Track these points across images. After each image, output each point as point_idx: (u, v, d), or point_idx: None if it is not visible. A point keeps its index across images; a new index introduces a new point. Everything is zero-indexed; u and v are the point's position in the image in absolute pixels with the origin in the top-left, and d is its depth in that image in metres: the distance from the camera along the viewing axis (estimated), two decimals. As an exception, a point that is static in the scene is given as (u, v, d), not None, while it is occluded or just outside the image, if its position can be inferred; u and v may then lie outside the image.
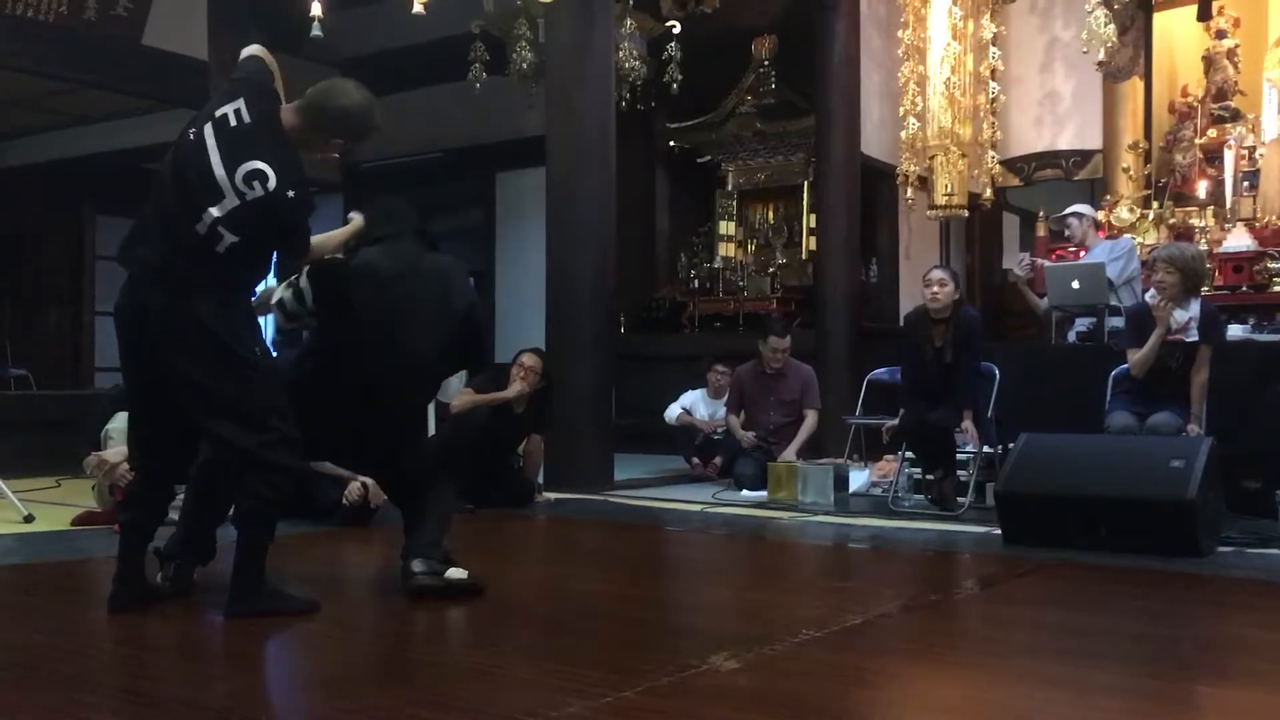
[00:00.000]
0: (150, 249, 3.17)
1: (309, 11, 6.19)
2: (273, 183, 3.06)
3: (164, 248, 3.14)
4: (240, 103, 3.16)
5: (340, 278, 3.50)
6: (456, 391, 6.18)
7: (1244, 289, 7.13)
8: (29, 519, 5.05)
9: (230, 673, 2.87)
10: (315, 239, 3.39)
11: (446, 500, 3.57)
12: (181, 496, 3.57)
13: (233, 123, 3.13)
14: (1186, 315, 5.12)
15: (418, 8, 6.21)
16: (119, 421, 4.91)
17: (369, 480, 5.09)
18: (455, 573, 3.40)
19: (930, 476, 5.85)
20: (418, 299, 3.52)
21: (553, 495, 6.19)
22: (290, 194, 3.10)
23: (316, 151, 3.36)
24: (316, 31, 6.26)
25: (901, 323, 6.05)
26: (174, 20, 8.53)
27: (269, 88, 3.26)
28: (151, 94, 9.01)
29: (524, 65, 8.37)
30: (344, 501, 5.05)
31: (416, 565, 3.38)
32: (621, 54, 7.94)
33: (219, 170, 3.08)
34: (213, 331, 3.11)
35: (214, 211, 3.07)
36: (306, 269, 3.51)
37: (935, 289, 5.52)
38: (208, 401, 3.14)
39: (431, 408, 6.62)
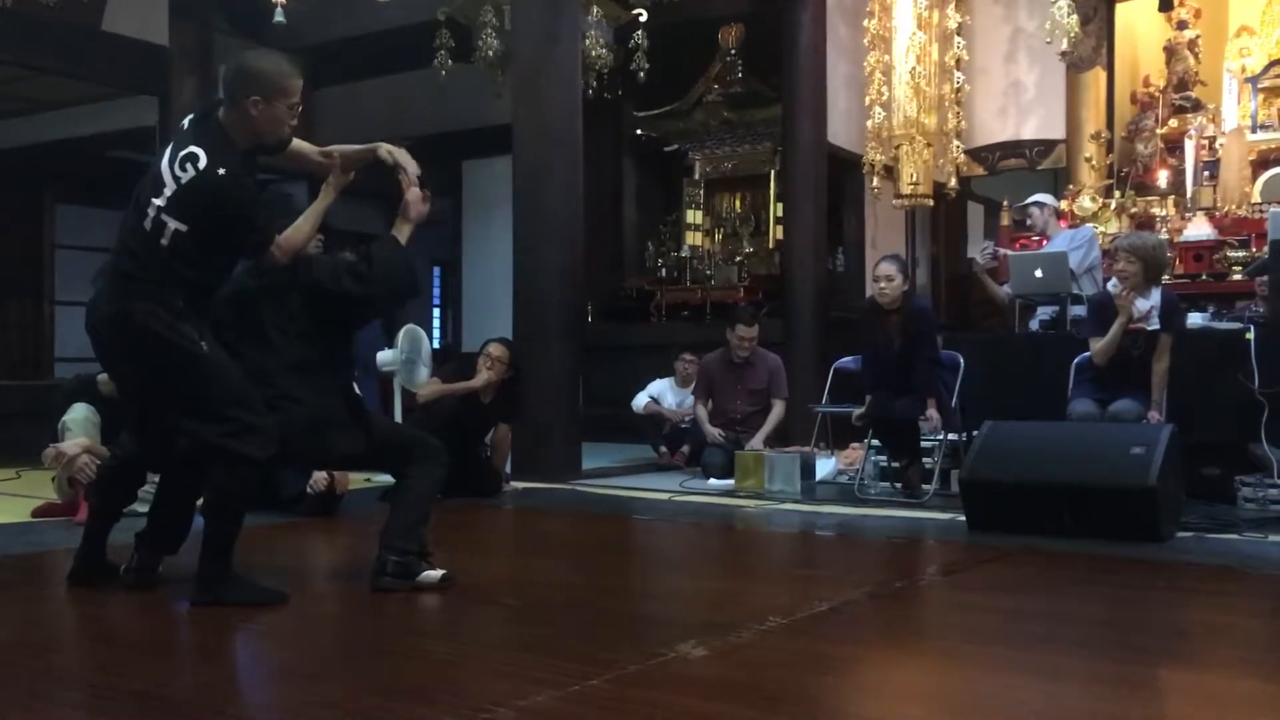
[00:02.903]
0: (110, 258, 3.27)
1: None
2: (203, 162, 3.11)
3: (116, 253, 3.23)
4: (193, 116, 3.31)
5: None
6: (424, 382, 6.16)
7: (1204, 278, 7.23)
8: (-12, 511, 4.98)
9: (196, 665, 2.84)
10: (289, 231, 3.33)
11: (423, 485, 3.47)
12: (154, 485, 3.56)
13: (184, 128, 3.27)
14: (1148, 304, 5.18)
15: (383, -6, 6.16)
16: (77, 412, 4.87)
17: (335, 470, 5.07)
18: (427, 575, 3.35)
19: (896, 464, 5.90)
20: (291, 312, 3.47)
21: (520, 485, 6.18)
22: (221, 171, 3.10)
23: (264, 128, 3.25)
24: (279, 17, 6.21)
25: (869, 311, 6.07)
26: (134, 5, 8.42)
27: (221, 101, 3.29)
28: (111, 81, 8.90)
29: (490, 53, 8.33)
30: (309, 491, 5.02)
31: (387, 565, 3.33)
32: (588, 42, 7.92)
33: (164, 165, 3.16)
34: (155, 332, 3.11)
35: (157, 202, 3.13)
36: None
37: (883, 283, 5.57)
38: (165, 400, 3.19)
39: (399, 397, 6.62)
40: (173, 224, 3.12)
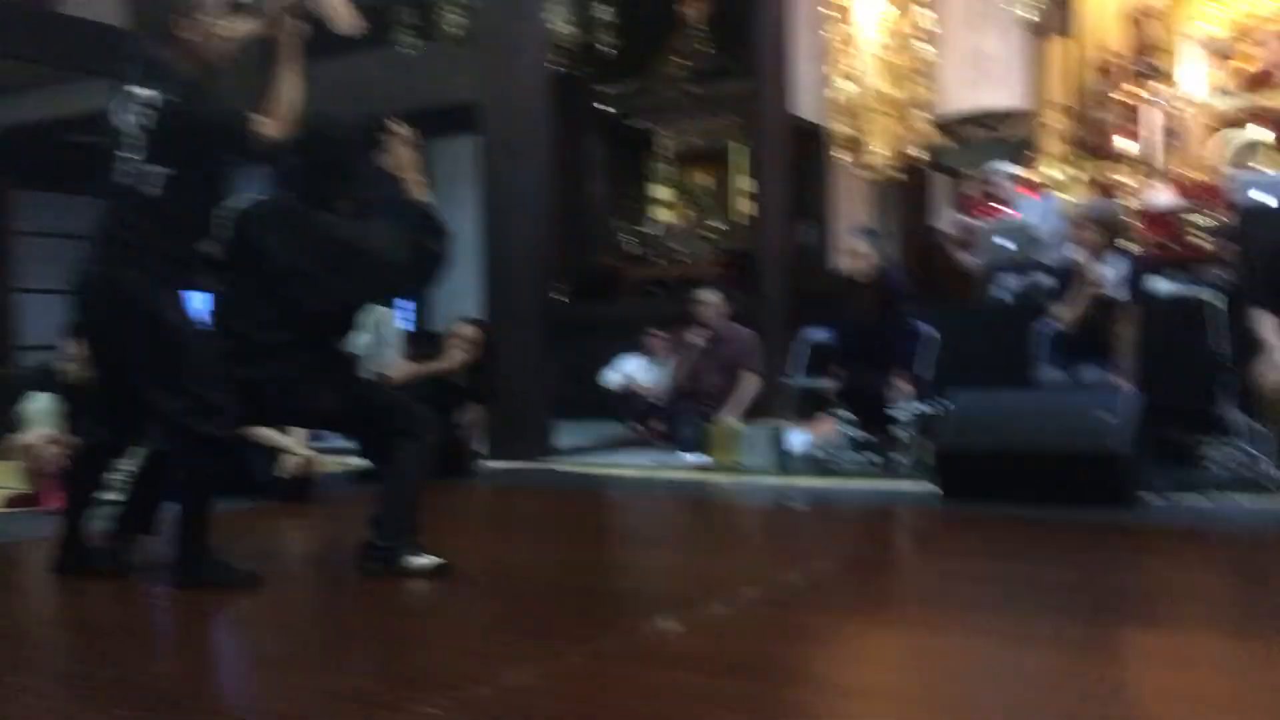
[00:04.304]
0: (97, 222, 3.24)
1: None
2: (160, 100, 3.10)
3: (104, 218, 3.21)
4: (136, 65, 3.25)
5: (242, 224, 3.39)
6: (394, 363, 6.13)
7: (1168, 244, 7.29)
8: (-44, 503, 4.92)
9: (174, 650, 2.83)
10: (265, 122, 3.20)
11: (414, 464, 3.37)
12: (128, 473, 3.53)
13: (131, 79, 3.22)
14: (1111, 271, 5.22)
15: (342, -28, 6.07)
16: (39, 402, 4.82)
17: (308, 452, 5.04)
18: (416, 562, 3.27)
19: (868, 435, 5.93)
20: (307, 266, 3.35)
21: (494, 464, 6.17)
22: (176, 100, 3.09)
23: (209, 49, 3.20)
24: (239, -3, 6.10)
25: (837, 284, 6.10)
26: (88, -14, 8.27)
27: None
28: (66, 63, 8.74)
29: (454, 30, 8.25)
30: (282, 475, 4.98)
31: (375, 550, 3.27)
32: (553, 17, 7.86)
33: (126, 119, 3.14)
34: (136, 299, 3.12)
35: (135, 156, 3.12)
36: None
37: (853, 259, 5.59)
38: (136, 369, 3.18)
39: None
40: (159, 171, 3.10)
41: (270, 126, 3.20)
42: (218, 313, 3.44)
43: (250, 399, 3.30)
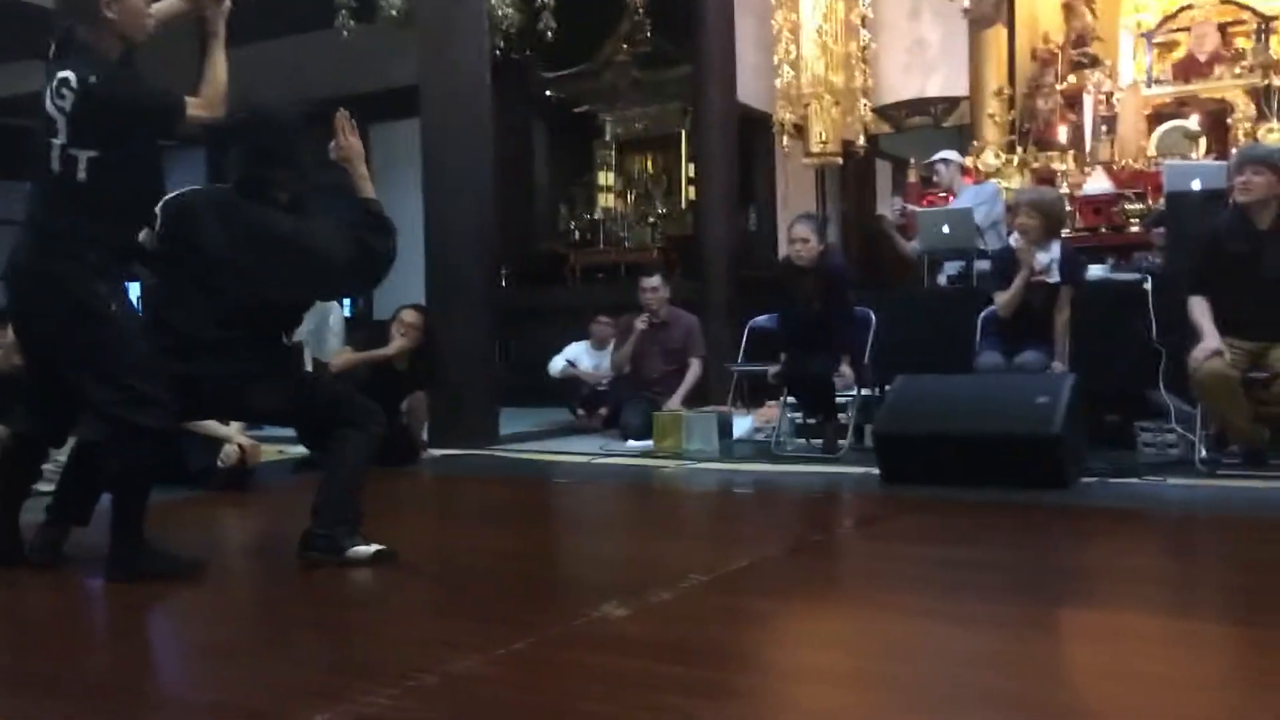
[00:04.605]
0: (26, 210, 3.19)
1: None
2: (74, 80, 3.03)
3: (32, 204, 3.16)
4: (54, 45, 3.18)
5: (178, 216, 3.33)
6: (335, 351, 6.06)
7: (1103, 230, 7.42)
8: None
9: (108, 644, 2.78)
10: (203, 88, 3.18)
11: (357, 454, 3.32)
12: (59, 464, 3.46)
13: (50, 60, 3.15)
14: (1049, 257, 5.30)
15: (280, -48, 5.97)
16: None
17: (245, 441, 4.97)
18: (359, 551, 3.23)
19: (811, 421, 5.98)
20: (248, 262, 3.29)
21: (438, 452, 6.13)
22: (93, 79, 3.03)
23: (127, 25, 3.13)
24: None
25: (780, 270, 6.12)
26: (16, -34, 8.04)
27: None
28: (3, 45, 8.52)
29: (393, 12, 8.14)
30: (219, 464, 4.91)
31: (316, 539, 3.23)
32: (494, 0, 7.79)
33: (46, 103, 3.07)
34: (68, 289, 3.06)
35: (57, 141, 3.05)
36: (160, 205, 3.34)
37: (799, 245, 5.63)
38: (67, 358, 3.12)
39: (311, 367, 6.50)
40: (83, 154, 3.03)
41: (198, 105, 3.16)
42: (153, 305, 3.38)
43: (189, 395, 3.25)
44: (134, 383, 3.06)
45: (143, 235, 3.32)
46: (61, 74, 3.04)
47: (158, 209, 3.32)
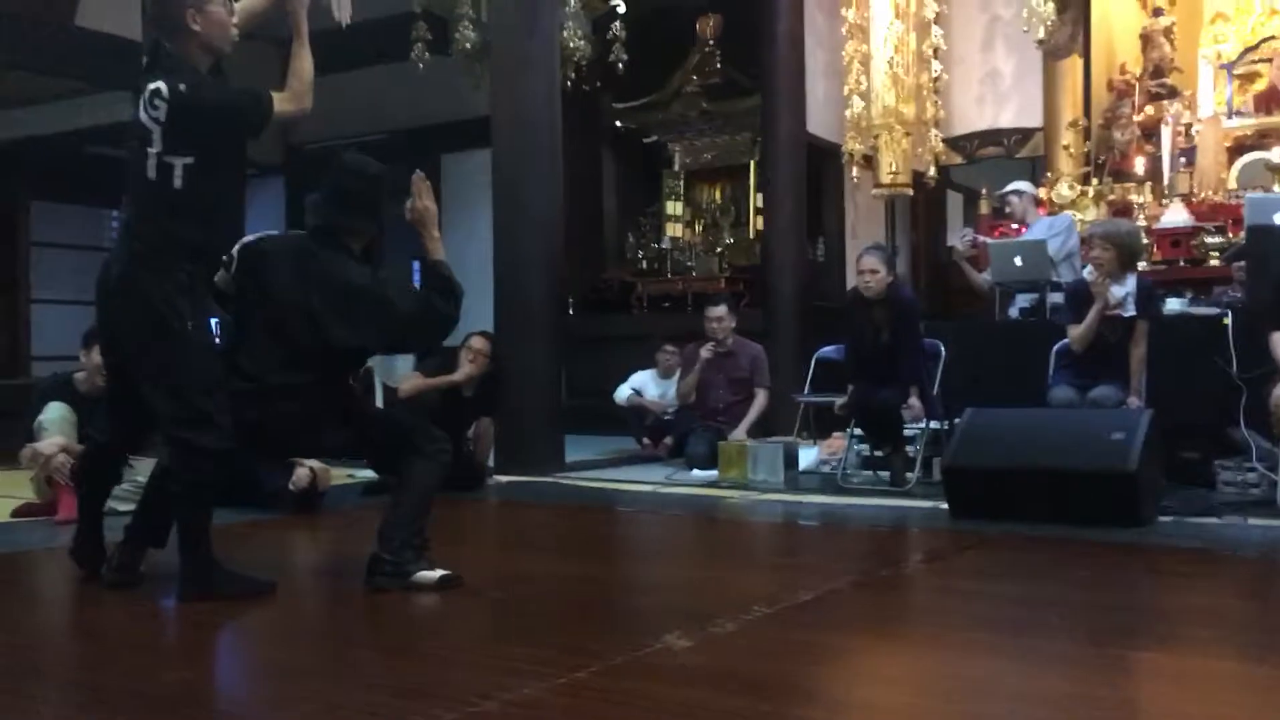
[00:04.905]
0: (124, 215, 3.29)
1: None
2: (166, 90, 3.12)
3: (126, 215, 3.26)
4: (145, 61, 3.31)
5: (253, 265, 3.40)
6: (404, 375, 6.14)
7: (1181, 264, 7.27)
8: (-33, 512, 4.95)
9: (180, 661, 2.83)
10: (290, 81, 3.28)
11: (425, 480, 3.38)
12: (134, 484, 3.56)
13: (141, 75, 3.27)
14: (1124, 290, 5.21)
15: (359, -14, 6.12)
16: (52, 412, 4.84)
17: (316, 465, 5.05)
18: (424, 575, 3.26)
19: (878, 453, 5.91)
20: (319, 310, 3.35)
21: (504, 478, 6.17)
22: (183, 87, 3.13)
23: (213, 36, 3.23)
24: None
25: (848, 301, 6.09)
26: (107, 1, 8.34)
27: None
28: (86, 76, 8.82)
29: (468, 45, 8.28)
30: (290, 487, 4.99)
31: (383, 563, 3.27)
32: (566, 33, 7.90)
33: (140, 115, 3.17)
34: (151, 301, 3.14)
35: (153, 150, 3.15)
36: (238, 246, 3.42)
37: (867, 277, 5.58)
38: (143, 372, 3.21)
39: (380, 392, 6.60)
40: (179, 161, 3.13)
41: (285, 99, 3.26)
42: (227, 348, 3.46)
43: (259, 436, 3.35)
44: (197, 402, 3.13)
45: (218, 277, 3.41)
46: (153, 85, 3.15)
47: (234, 251, 3.40)
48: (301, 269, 3.39)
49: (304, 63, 3.32)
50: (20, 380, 9.78)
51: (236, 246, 3.41)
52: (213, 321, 3.49)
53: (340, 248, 3.43)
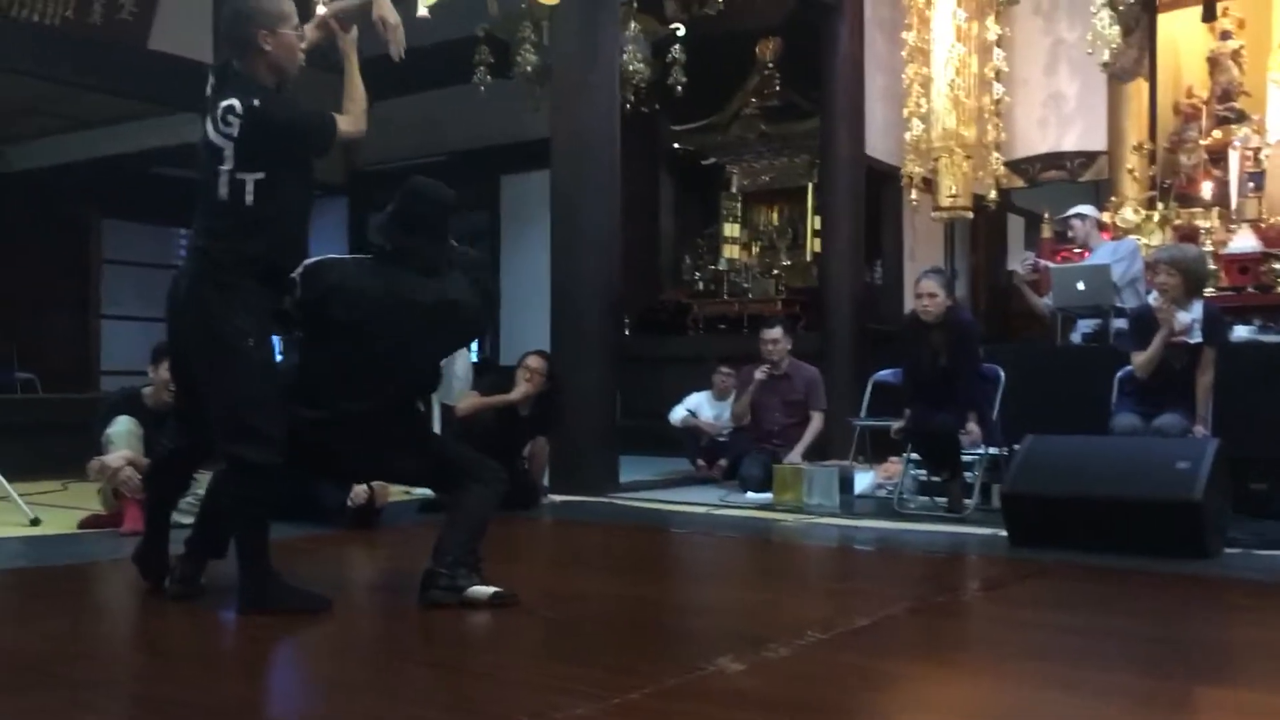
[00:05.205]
0: (193, 232, 3.35)
1: (313, 16, 6.19)
2: (239, 106, 3.19)
3: (198, 226, 3.31)
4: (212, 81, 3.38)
5: (324, 295, 3.44)
6: (460, 394, 6.19)
7: (1249, 290, 7.12)
8: (35, 522, 5.05)
9: (236, 674, 2.87)
10: (346, 106, 3.36)
11: (481, 504, 3.44)
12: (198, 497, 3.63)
13: (209, 94, 3.34)
14: (1190, 317, 5.11)
15: (423, 11, 6.21)
16: (120, 425, 4.93)
17: (376, 482, 5.10)
18: (478, 591, 3.29)
19: (936, 478, 5.85)
20: (401, 334, 3.43)
21: (558, 497, 6.19)
22: (256, 103, 3.19)
23: (281, 58, 3.31)
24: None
25: (906, 324, 6.04)
26: (179, 24, 8.55)
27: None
28: (157, 97, 9.03)
29: (528, 68, 8.38)
30: (349, 503, 5.05)
31: (438, 578, 3.30)
32: (626, 56, 7.96)
33: (210, 133, 3.24)
34: (214, 315, 3.20)
35: (224, 167, 3.21)
36: (301, 269, 3.48)
37: (926, 300, 5.53)
38: (202, 385, 3.27)
39: (437, 411, 6.66)
40: (250, 177, 3.20)
41: (346, 122, 3.34)
42: (289, 371, 3.53)
43: (329, 462, 3.47)
44: (248, 418, 3.18)
45: (285, 302, 3.47)
46: (225, 103, 3.22)
47: (298, 275, 3.44)
48: (369, 294, 3.43)
49: (357, 89, 3.41)
50: (90, 394, 10.01)
51: (300, 271, 3.45)
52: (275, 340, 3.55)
53: (410, 269, 3.48)
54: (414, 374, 3.53)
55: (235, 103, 3.20)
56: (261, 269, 3.26)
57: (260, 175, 3.20)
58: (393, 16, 3.50)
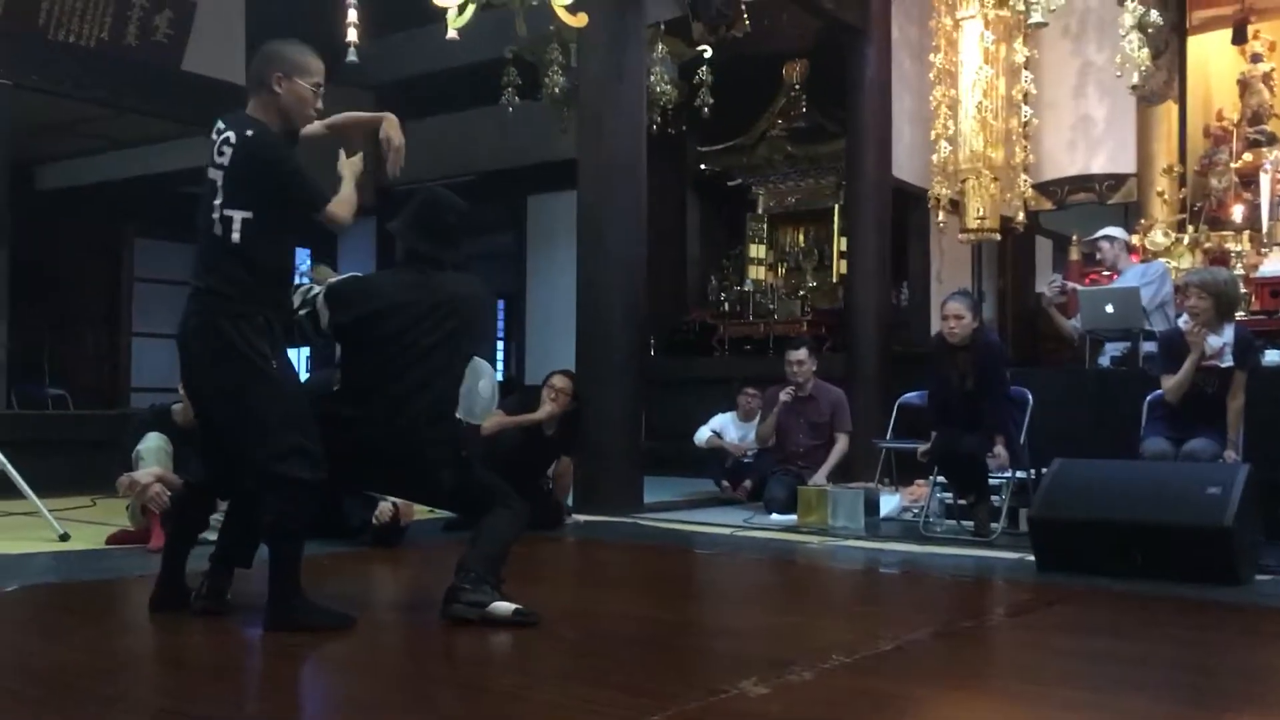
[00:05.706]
0: (193, 274, 3.36)
1: (345, 37, 6.27)
2: (235, 138, 3.23)
3: (197, 267, 3.33)
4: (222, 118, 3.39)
5: (352, 308, 3.50)
6: (484, 413, 6.20)
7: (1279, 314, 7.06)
8: (65, 538, 5.10)
9: (262, 692, 2.88)
10: (338, 199, 3.38)
11: (506, 525, 3.48)
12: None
13: (216, 131, 3.36)
14: (1220, 341, 5.07)
15: (452, 34, 6.27)
16: (150, 442, 4.97)
17: (399, 500, 5.12)
18: (500, 607, 3.30)
19: (962, 502, 5.81)
20: (429, 341, 3.50)
21: (582, 517, 6.19)
22: (250, 133, 3.22)
23: (290, 106, 3.34)
24: (352, 57, 6.33)
25: (932, 346, 6.02)
26: (213, 45, 8.67)
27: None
28: (190, 118, 9.13)
29: (556, 90, 8.44)
30: (374, 521, 5.07)
31: (461, 593, 3.31)
32: (653, 78, 8.00)
33: (210, 169, 3.28)
34: (234, 345, 3.21)
35: (217, 202, 3.25)
36: (324, 292, 3.52)
37: (952, 323, 5.50)
38: (227, 414, 3.28)
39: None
40: (237, 215, 3.22)
41: (337, 205, 3.35)
42: (327, 394, 3.56)
43: (367, 478, 3.57)
44: (287, 437, 3.20)
45: (324, 319, 3.51)
46: (224, 134, 3.27)
47: (321, 297, 3.49)
48: (423, 304, 3.51)
49: (349, 196, 3.43)
50: (120, 411, 10.12)
51: (322, 292, 3.50)
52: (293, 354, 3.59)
53: (438, 269, 3.61)
54: (443, 378, 3.57)
55: (231, 134, 3.25)
56: (264, 305, 3.28)
57: (248, 214, 3.21)
58: (398, 139, 3.52)
